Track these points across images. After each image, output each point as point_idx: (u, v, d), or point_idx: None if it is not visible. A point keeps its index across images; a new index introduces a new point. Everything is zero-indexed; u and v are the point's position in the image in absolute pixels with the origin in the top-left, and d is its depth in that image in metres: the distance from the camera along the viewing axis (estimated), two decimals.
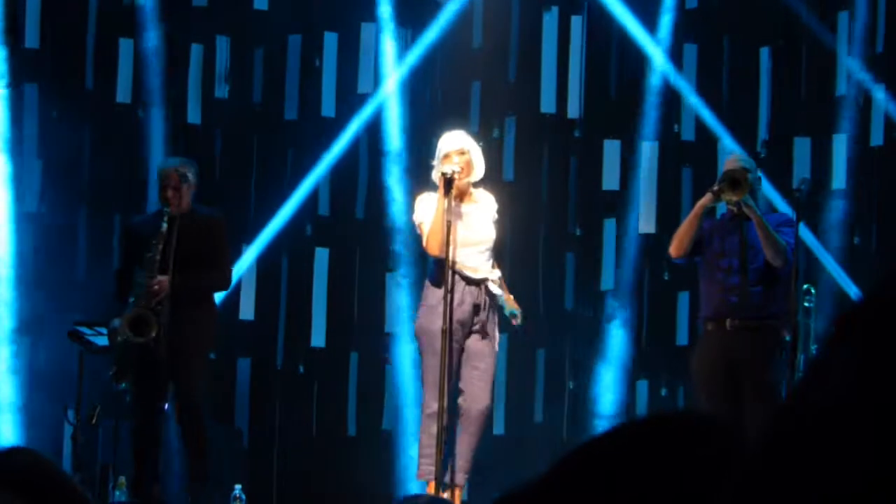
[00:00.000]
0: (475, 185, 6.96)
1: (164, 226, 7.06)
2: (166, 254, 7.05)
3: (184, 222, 7.13)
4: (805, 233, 8.50)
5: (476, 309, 6.74)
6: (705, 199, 6.79)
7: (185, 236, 7.10)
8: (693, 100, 9.20)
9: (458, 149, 6.83)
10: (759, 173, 7.03)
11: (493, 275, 6.85)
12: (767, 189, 8.63)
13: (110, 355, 7.23)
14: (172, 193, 7.16)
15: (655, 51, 9.21)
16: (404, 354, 9.09)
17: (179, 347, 7.04)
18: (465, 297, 6.71)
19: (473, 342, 6.74)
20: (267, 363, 9.30)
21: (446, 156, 6.80)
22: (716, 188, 6.71)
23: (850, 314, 0.94)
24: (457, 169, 6.68)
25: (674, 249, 6.92)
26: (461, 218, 6.79)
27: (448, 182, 6.63)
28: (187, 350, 7.09)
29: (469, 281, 6.74)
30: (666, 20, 9.23)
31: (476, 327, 6.73)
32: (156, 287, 7.02)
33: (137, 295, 7.05)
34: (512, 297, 6.87)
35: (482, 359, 6.73)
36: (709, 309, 6.84)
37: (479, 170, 6.90)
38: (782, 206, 8.42)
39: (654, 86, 9.22)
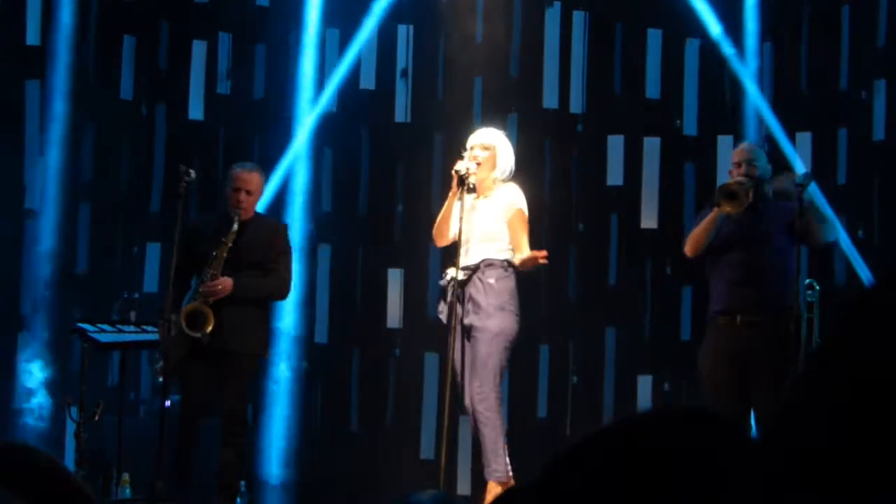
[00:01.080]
0: (506, 181, 6.88)
1: (236, 226, 7.07)
2: (231, 255, 7.06)
3: (250, 227, 7.17)
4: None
5: (465, 300, 6.66)
6: (715, 212, 6.76)
7: (251, 241, 7.13)
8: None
9: (482, 143, 6.79)
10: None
11: (487, 255, 6.71)
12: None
13: (157, 349, 7.24)
14: (245, 197, 7.16)
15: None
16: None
17: (230, 349, 7.03)
18: (456, 289, 6.64)
19: (472, 336, 6.69)
20: (270, 360, 9.29)
21: (470, 149, 6.77)
22: (713, 202, 6.71)
23: (850, 315, 0.94)
24: (471, 166, 6.64)
25: (689, 249, 6.87)
26: (472, 214, 6.74)
27: (459, 179, 6.60)
28: (236, 352, 7.07)
29: (461, 274, 6.69)
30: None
31: (468, 320, 6.67)
32: (220, 287, 7.00)
33: (196, 291, 7.07)
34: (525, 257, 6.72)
35: (476, 353, 6.67)
36: (719, 304, 6.81)
37: (503, 168, 6.84)
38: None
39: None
